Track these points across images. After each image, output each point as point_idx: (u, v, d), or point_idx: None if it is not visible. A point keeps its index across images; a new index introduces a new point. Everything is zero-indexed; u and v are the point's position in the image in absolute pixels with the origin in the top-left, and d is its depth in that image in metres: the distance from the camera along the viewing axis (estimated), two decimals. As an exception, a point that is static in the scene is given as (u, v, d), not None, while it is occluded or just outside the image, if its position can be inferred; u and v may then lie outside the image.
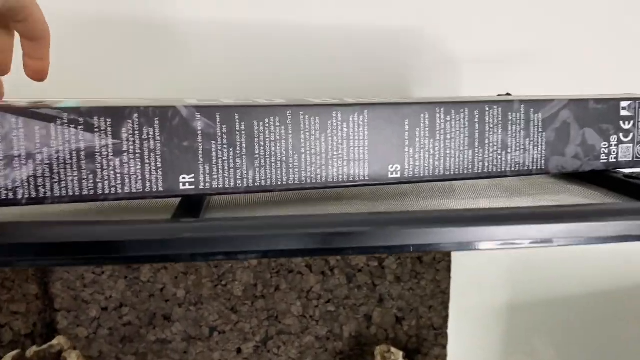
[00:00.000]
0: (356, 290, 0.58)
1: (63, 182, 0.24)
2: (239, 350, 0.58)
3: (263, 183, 0.27)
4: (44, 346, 0.49)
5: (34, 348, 0.49)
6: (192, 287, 0.56)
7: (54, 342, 0.49)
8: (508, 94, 0.46)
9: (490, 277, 0.63)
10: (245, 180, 0.26)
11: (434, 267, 0.59)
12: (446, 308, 0.60)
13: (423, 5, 0.54)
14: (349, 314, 0.59)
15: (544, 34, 0.56)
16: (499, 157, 0.30)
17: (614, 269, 0.65)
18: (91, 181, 0.24)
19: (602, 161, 0.32)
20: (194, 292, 0.56)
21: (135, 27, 0.50)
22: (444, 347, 0.61)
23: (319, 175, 0.27)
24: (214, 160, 0.26)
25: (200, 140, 0.26)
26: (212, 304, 0.57)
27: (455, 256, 0.59)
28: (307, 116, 0.27)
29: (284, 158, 0.27)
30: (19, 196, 0.24)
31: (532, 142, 0.30)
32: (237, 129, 0.26)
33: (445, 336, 0.61)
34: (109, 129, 0.24)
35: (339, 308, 0.58)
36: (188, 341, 0.57)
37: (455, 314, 0.61)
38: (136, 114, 0.25)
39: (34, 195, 0.24)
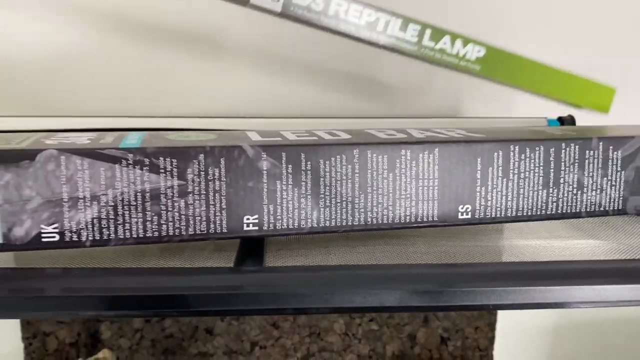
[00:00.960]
0: (401, 310, 0.57)
1: (127, 224, 0.23)
2: (280, 366, 0.58)
3: (327, 224, 0.26)
4: (90, 359, 0.49)
5: (80, 360, 0.49)
6: (234, 301, 0.56)
7: (100, 355, 0.50)
8: (570, 116, 0.44)
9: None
10: (309, 221, 0.25)
11: (482, 288, 0.57)
12: (493, 329, 0.58)
13: (479, 15, 0.52)
14: (392, 333, 0.58)
15: (603, 49, 0.54)
16: (574, 197, 0.28)
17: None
18: (155, 223, 0.24)
19: (683, 201, 0.30)
20: (236, 306, 0.56)
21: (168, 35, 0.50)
22: (490, 369, 0.59)
23: (385, 216, 0.26)
24: (279, 201, 0.25)
25: (265, 181, 0.25)
26: (254, 319, 0.56)
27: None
28: (374, 155, 0.26)
29: (349, 198, 0.26)
30: (83, 238, 0.23)
31: (609, 182, 0.29)
32: (303, 168, 0.25)
33: (491, 358, 0.59)
34: (174, 170, 0.23)
35: (383, 327, 0.57)
36: (229, 355, 0.57)
37: (502, 335, 0.60)
38: (202, 155, 0.24)
39: (97, 237, 0.23)
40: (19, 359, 0.55)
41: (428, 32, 0.27)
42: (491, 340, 0.59)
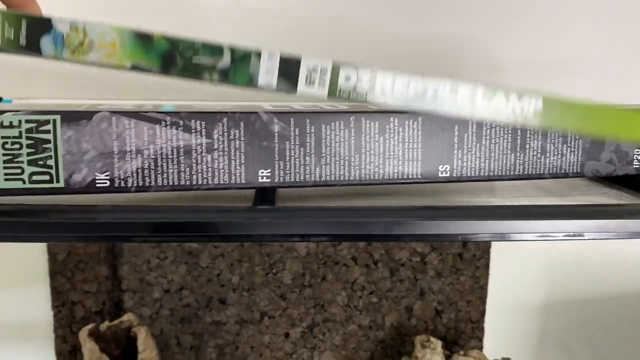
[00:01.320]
0: (398, 284, 0.62)
1: (165, 174, 0.29)
2: (287, 335, 0.63)
3: (328, 178, 0.31)
4: (115, 322, 0.55)
5: (107, 323, 0.55)
6: (245, 274, 0.61)
7: (124, 318, 0.55)
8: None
9: (527, 275, 0.66)
10: (313, 175, 0.31)
11: (474, 263, 0.62)
12: (484, 303, 0.63)
13: (467, 11, 0.57)
14: (391, 305, 0.62)
15: (588, 42, 0.59)
16: (538, 160, 0.33)
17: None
18: (187, 173, 0.29)
19: (634, 166, 0.35)
20: (247, 278, 0.61)
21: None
22: (480, 339, 0.64)
23: (376, 173, 0.31)
24: (287, 158, 0.30)
25: (276, 141, 0.30)
26: (263, 290, 0.61)
27: (494, 254, 0.62)
28: (367, 121, 0.31)
29: (346, 157, 0.31)
30: (129, 185, 0.28)
31: (569, 148, 0.34)
32: (308, 131, 0.30)
33: (482, 329, 0.64)
34: (203, 130, 0.29)
35: (382, 299, 0.62)
36: (241, 324, 0.62)
37: (492, 309, 0.64)
38: (225, 118, 0.29)
39: (141, 184, 0.29)
40: (49, 326, 0.61)
41: (479, 92, 0.26)
42: (482, 313, 0.63)
